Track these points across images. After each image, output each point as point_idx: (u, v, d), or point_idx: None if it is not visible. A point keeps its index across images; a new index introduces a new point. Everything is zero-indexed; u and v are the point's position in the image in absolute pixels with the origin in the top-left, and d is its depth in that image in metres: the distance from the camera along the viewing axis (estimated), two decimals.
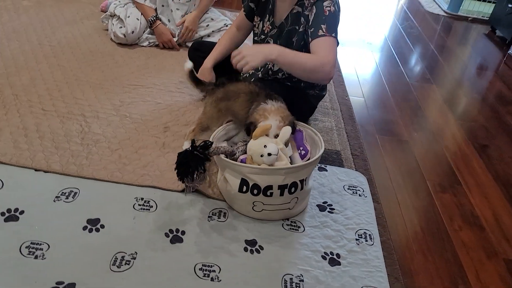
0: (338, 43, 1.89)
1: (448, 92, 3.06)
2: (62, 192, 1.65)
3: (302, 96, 2.16)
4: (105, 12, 2.99)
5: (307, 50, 1.86)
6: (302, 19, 1.93)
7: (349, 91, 2.80)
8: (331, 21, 1.87)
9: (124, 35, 2.77)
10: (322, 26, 1.85)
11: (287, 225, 1.68)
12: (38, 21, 2.99)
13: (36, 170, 1.73)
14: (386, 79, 3.10)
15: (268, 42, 2.08)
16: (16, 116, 2.00)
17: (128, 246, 1.48)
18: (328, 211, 1.77)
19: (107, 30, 2.91)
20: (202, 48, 2.35)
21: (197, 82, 2.06)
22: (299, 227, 1.67)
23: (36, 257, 1.39)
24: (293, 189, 1.59)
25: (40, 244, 1.44)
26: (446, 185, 2.06)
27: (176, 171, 1.47)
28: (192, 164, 1.45)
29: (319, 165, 2.02)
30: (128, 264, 1.42)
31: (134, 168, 1.79)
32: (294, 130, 1.70)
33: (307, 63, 1.77)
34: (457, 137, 2.49)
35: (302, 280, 1.45)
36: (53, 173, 1.72)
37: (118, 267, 1.40)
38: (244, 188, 1.58)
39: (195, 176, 1.47)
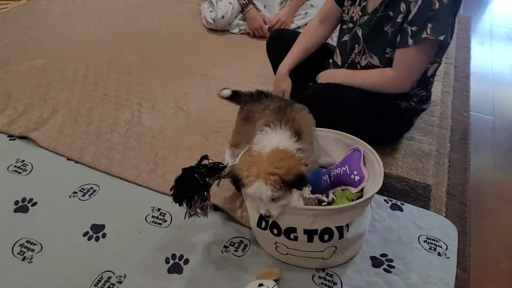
0: (447, 44, 1.50)
1: None
2: (82, 188, 1.52)
3: (389, 107, 1.68)
4: None
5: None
6: (403, 6, 1.46)
7: (474, 105, 2.14)
8: (441, 17, 1.41)
9: (213, 20, 2.58)
10: (428, 25, 1.40)
11: (320, 277, 1.27)
12: (138, 2, 2.98)
13: (68, 159, 1.64)
14: None
15: (356, 33, 1.64)
16: (76, 98, 1.96)
17: (120, 266, 1.27)
18: (385, 269, 1.31)
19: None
20: (282, 38, 1.99)
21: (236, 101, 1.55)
22: (335, 283, 1.26)
23: (24, 259, 1.28)
24: (326, 237, 1.18)
25: (35, 244, 1.32)
26: None
27: (171, 191, 1.19)
28: (189, 188, 1.16)
29: (392, 201, 1.53)
30: (113, 286, 1.21)
31: (164, 171, 1.58)
32: (301, 184, 1.11)
33: (364, 84, 1.60)
34: None
35: None
36: (82, 165, 1.61)
37: None
38: (263, 224, 1.23)
39: (193, 203, 1.18)
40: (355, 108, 1.60)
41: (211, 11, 2.60)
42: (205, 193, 1.23)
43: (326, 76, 1.72)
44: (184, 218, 1.25)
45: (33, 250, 1.30)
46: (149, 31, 2.59)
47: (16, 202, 1.45)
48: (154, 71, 2.20)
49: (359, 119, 1.61)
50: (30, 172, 1.58)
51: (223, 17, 2.57)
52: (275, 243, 1.25)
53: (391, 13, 1.50)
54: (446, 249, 1.37)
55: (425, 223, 1.45)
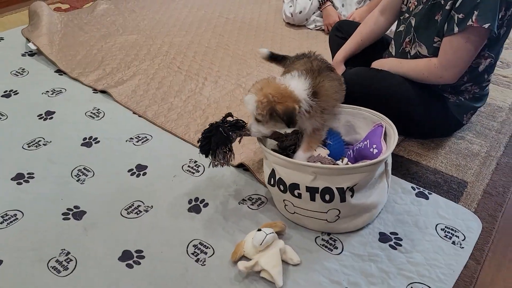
0: (496, 34, 1.47)
1: None
2: (138, 136, 1.76)
3: (435, 99, 1.65)
4: None
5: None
6: None
7: None
8: (489, 5, 1.39)
9: (291, 14, 2.72)
10: (475, 12, 1.39)
11: (323, 239, 1.33)
12: None
13: (133, 112, 1.90)
14: None
15: (410, 23, 1.66)
16: (154, 68, 2.24)
17: (150, 198, 1.47)
18: (391, 245, 1.31)
19: None
20: (344, 29, 2.05)
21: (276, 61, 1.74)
22: (336, 247, 1.30)
23: (78, 180, 1.54)
24: (327, 197, 1.24)
25: (89, 171, 1.58)
26: None
27: (198, 144, 1.35)
28: (214, 141, 1.30)
29: (420, 189, 1.51)
30: (138, 214, 1.41)
31: None
32: (289, 121, 1.26)
33: (409, 73, 1.62)
34: None
35: None
36: (143, 119, 1.86)
37: (129, 213, 1.41)
38: (272, 181, 1.33)
39: (217, 153, 1.32)
40: (396, 96, 1.61)
41: (291, 6, 2.75)
42: (228, 145, 1.36)
43: (375, 65, 1.76)
44: (208, 167, 1.40)
45: (86, 175, 1.56)
46: (232, 21, 2.82)
47: (84, 139, 1.74)
48: (226, 53, 2.41)
49: (401, 107, 1.62)
50: (101, 118, 1.86)
51: (300, 12, 2.70)
52: (284, 200, 1.34)
53: (442, 1, 1.51)
54: (463, 240, 1.33)
55: (449, 214, 1.42)
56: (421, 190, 1.51)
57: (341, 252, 1.29)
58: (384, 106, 1.57)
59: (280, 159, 1.26)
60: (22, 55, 2.36)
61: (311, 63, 1.41)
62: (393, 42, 1.79)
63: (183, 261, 1.26)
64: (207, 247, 1.30)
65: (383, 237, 1.34)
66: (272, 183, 1.33)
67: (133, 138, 1.74)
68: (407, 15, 1.70)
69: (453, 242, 1.32)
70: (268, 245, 1.23)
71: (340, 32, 2.05)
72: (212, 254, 1.28)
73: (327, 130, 1.41)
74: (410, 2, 1.68)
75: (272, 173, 1.32)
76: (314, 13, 2.74)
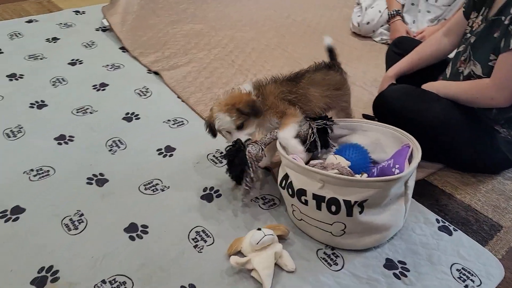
0: None
1: None
2: (175, 119, 1.83)
3: (483, 131, 1.53)
4: None
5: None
6: None
7: None
8: None
9: (358, 24, 2.65)
10: None
11: (325, 253, 1.29)
12: (304, 2, 3.22)
13: (178, 97, 1.98)
14: None
15: (469, 41, 1.55)
16: (209, 58, 2.30)
17: (169, 179, 1.52)
18: (395, 274, 1.24)
19: None
20: (403, 45, 1.96)
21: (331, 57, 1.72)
22: (336, 263, 1.26)
23: (110, 150, 1.63)
24: (333, 208, 1.20)
25: (122, 143, 1.67)
26: None
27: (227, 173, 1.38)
28: (237, 162, 1.32)
29: (445, 223, 1.41)
30: (154, 192, 1.46)
31: None
32: (256, 111, 1.35)
33: (458, 95, 1.52)
34: None
35: None
36: (185, 104, 1.92)
37: (146, 189, 1.47)
38: (283, 183, 1.31)
39: (244, 179, 1.33)
40: (438, 120, 1.51)
41: (359, 16, 2.68)
42: (252, 167, 1.34)
43: (425, 87, 1.66)
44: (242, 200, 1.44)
45: (119, 147, 1.65)
46: (298, 23, 2.81)
47: (127, 113, 1.84)
48: (282, 54, 2.41)
49: (442, 133, 1.52)
50: (147, 97, 1.96)
51: (368, 23, 2.62)
52: (292, 205, 1.31)
53: (502, 18, 1.39)
54: (478, 285, 1.22)
55: (470, 255, 1.31)
56: (446, 224, 1.41)
57: (340, 269, 1.24)
58: (422, 128, 1.49)
59: (291, 162, 1.25)
60: (96, 30, 2.55)
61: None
62: (451, 62, 1.68)
63: (182, 244, 1.28)
64: (209, 236, 1.32)
65: (389, 264, 1.27)
66: (283, 185, 1.31)
67: (170, 120, 1.81)
68: (469, 35, 1.59)
69: (466, 286, 1.21)
70: (265, 246, 1.22)
71: (397, 48, 1.97)
72: (211, 244, 1.29)
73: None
74: (474, 22, 1.57)
75: (285, 176, 1.30)
76: (382, 25, 2.64)
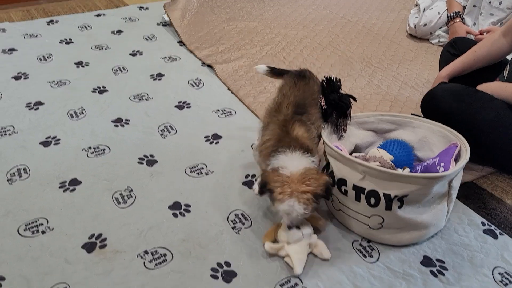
0: None
1: None
2: (224, 109, 1.90)
3: None
4: None
5: None
6: None
7: None
8: None
9: (414, 25, 2.59)
10: None
11: (361, 245, 1.29)
12: (359, 2, 3.19)
13: (228, 89, 2.05)
14: None
15: None
16: (262, 54, 2.36)
17: (214, 163, 1.58)
18: (432, 271, 1.22)
19: None
20: (458, 45, 1.91)
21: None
22: (371, 256, 1.25)
23: (162, 135, 1.72)
24: (372, 200, 1.20)
25: (172, 128, 1.76)
26: None
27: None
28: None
29: (491, 226, 1.36)
30: (198, 175, 1.53)
31: None
32: (330, 192, 1.19)
33: (501, 96, 1.50)
34: None
35: None
36: (235, 96, 1.99)
37: (192, 171, 1.54)
38: (325, 172, 1.32)
39: None
40: (489, 121, 1.46)
41: (416, 17, 2.62)
42: None
43: (480, 88, 1.61)
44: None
45: (169, 132, 1.74)
46: (353, 24, 2.80)
47: (179, 102, 1.93)
48: (334, 52, 2.41)
49: (493, 134, 1.47)
50: (199, 88, 2.04)
51: (425, 24, 2.56)
52: (331, 195, 1.32)
53: None
54: None
55: None
56: (492, 228, 1.36)
57: (374, 261, 1.24)
58: (472, 130, 1.45)
59: (334, 151, 1.26)
60: (157, 24, 2.69)
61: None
62: (508, 64, 1.62)
63: (221, 225, 1.34)
64: (247, 219, 1.36)
65: (427, 261, 1.24)
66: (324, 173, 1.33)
67: (219, 110, 1.88)
68: None
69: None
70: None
71: (453, 48, 1.92)
72: (249, 227, 1.34)
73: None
74: None
75: (327, 165, 1.32)
76: (440, 27, 2.57)
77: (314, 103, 1.36)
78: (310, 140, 1.26)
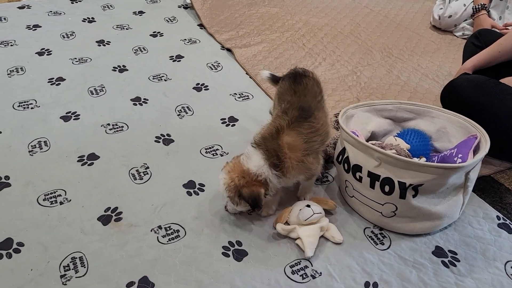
0: None
1: None
2: (241, 93, 1.90)
3: None
4: None
5: None
6: None
7: None
8: None
9: (439, 17, 2.55)
10: None
11: (373, 232, 1.29)
12: None
13: (246, 73, 2.05)
14: None
15: None
16: (281, 40, 2.34)
17: (228, 146, 1.59)
18: (443, 262, 1.21)
19: None
20: (483, 37, 1.87)
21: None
22: (383, 243, 1.25)
23: (186, 114, 1.74)
24: (387, 188, 1.20)
25: (188, 109, 1.77)
26: None
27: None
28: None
29: (506, 221, 1.34)
30: (213, 156, 1.54)
31: None
32: (255, 205, 1.20)
33: None
34: None
35: None
36: (253, 81, 1.99)
37: (207, 152, 1.55)
38: (340, 158, 1.33)
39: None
40: (510, 115, 1.43)
41: (441, 8, 2.57)
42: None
43: (505, 81, 1.58)
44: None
45: (186, 112, 1.75)
46: (376, 13, 2.76)
47: (197, 84, 1.94)
48: (355, 41, 2.39)
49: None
50: (218, 71, 2.05)
51: (450, 16, 2.51)
52: (345, 181, 1.32)
53: None
54: None
55: None
56: (507, 222, 1.34)
57: (385, 249, 1.24)
58: (492, 123, 1.42)
59: (351, 137, 1.26)
60: (178, 7, 2.69)
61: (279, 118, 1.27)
62: None
63: None
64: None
65: (439, 252, 1.24)
66: (339, 160, 1.33)
67: (236, 94, 1.89)
68: None
69: None
70: (312, 222, 1.24)
71: (478, 40, 1.88)
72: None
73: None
74: None
75: (343, 151, 1.32)
76: (465, 20, 2.52)
77: (318, 105, 1.32)
78: (298, 152, 1.20)
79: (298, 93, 1.33)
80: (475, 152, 1.26)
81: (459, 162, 1.24)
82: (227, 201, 1.26)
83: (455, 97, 1.51)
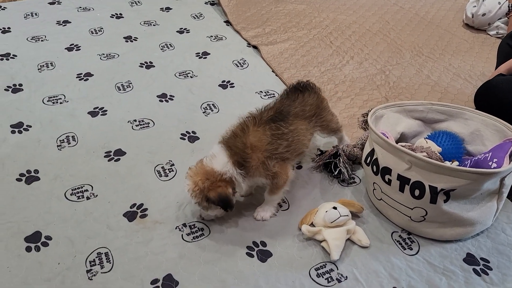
0: None
1: None
2: (267, 91, 1.88)
3: None
4: None
5: None
6: None
7: None
8: None
9: (472, 15, 2.46)
10: None
11: (400, 237, 1.25)
12: None
13: (272, 71, 2.03)
14: None
15: None
16: (308, 37, 2.31)
17: None
18: (475, 270, 1.17)
19: None
20: None
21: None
22: (411, 248, 1.22)
23: (206, 112, 1.73)
24: (417, 192, 1.16)
25: (214, 106, 1.76)
26: None
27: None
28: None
29: None
30: None
31: (338, 109, 1.76)
32: (226, 206, 1.18)
33: None
34: None
35: None
36: (279, 78, 1.97)
37: None
38: (368, 159, 1.30)
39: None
40: None
41: (474, 6, 2.49)
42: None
43: None
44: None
45: (212, 110, 1.75)
46: (405, 11, 2.69)
47: (223, 81, 1.94)
48: (384, 39, 2.33)
49: None
50: (244, 68, 2.04)
51: (484, 14, 2.42)
52: (373, 184, 1.29)
53: None
54: None
55: None
56: None
57: (414, 254, 1.20)
58: None
59: (381, 138, 1.22)
60: (205, 3, 2.69)
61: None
62: None
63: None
64: (285, 202, 1.35)
65: (470, 259, 1.20)
66: (368, 161, 1.30)
67: (262, 92, 1.87)
68: None
69: None
70: (338, 225, 1.22)
71: None
72: (286, 209, 1.33)
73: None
74: None
75: (371, 152, 1.29)
76: (500, 18, 2.43)
77: (302, 115, 1.30)
78: (259, 152, 1.18)
79: (292, 99, 1.33)
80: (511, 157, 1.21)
81: (494, 167, 1.19)
82: (201, 209, 1.22)
83: (492, 98, 1.46)
